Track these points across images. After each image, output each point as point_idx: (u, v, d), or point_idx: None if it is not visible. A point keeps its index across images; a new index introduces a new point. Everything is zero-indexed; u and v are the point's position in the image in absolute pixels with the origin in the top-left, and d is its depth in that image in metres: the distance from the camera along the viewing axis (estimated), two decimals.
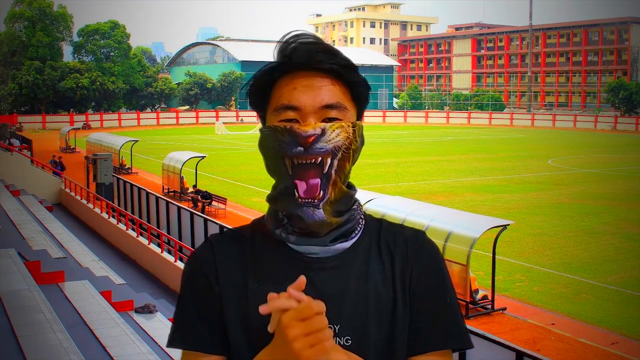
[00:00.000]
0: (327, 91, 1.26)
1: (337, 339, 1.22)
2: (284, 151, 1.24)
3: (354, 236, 1.31)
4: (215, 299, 1.29)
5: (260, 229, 1.35)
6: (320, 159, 1.23)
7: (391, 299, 1.27)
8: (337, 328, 1.23)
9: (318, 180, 1.24)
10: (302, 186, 1.25)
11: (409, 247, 1.32)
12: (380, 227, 1.36)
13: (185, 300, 1.33)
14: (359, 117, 1.33)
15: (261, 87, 1.31)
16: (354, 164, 1.29)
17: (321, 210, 1.24)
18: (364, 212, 1.37)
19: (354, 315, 1.25)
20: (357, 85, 1.30)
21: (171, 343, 1.31)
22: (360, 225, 1.33)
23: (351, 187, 1.34)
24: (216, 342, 1.28)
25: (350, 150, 1.26)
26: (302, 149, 1.23)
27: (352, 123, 1.27)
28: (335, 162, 1.25)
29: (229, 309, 1.27)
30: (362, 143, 1.31)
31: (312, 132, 1.22)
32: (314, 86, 1.26)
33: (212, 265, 1.31)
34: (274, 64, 1.30)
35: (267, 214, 1.35)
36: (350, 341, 1.23)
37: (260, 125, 1.36)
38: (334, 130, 1.23)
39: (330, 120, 1.25)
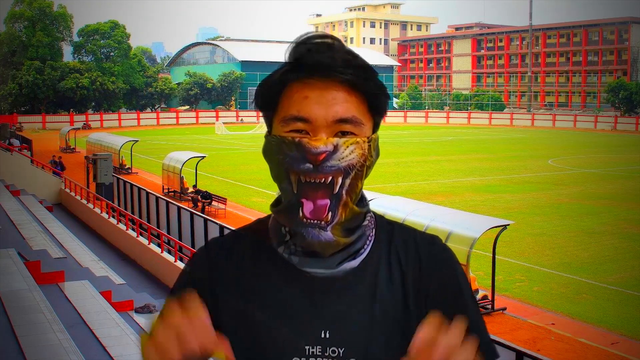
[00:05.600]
0: (342, 104, 1.13)
1: None
2: (289, 166, 1.13)
3: (363, 252, 1.21)
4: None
5: (263, 236, 1.25)
6: (330, 178, 1.12)
7: (401, 320, 1.19)
8: (341, 351, 1.15)
9: (327, 202, 1.13)
10: (308, 206, 1.13)
11: (422, 262, 1.21)
12: (392, 236, 1.24)
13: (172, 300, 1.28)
14: (376, 128, 1.20)
15: (270, 92, 1.18)
16: (366, 177, 1.19)
17: (328, 232, 1.14)
18: (375, 216, 1.27)
19: (359, 338, 1.16)
20: (376, 96, 1.17)
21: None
22: (370, 239, 1.22)
23: (363, 201, 1.22)
24: None
25: (364, 167, 1.15)
26: (311, 166, 1.11)
27: (367, 138, 1.15)
28: (347, 182, 1.13)
29: (224, 326, 1.18)
30: (378, 155, 1.20)
31: (323, 148, 1.10)
32: (328, 97, 1.13)
33: (206, 276, 1.23)
34: (286, 69, 1.17)
35: (271, 224, 1.25)
36: None
37: (265, 129, 1.24)
38: (347, 147, 1.12)
39: (344, 134, 1.13)
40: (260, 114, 1.25)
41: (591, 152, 39.75)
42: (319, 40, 1.17)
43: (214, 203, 20.43)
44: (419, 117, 75.87)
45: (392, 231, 1.26)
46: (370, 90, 1.16)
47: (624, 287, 12.85)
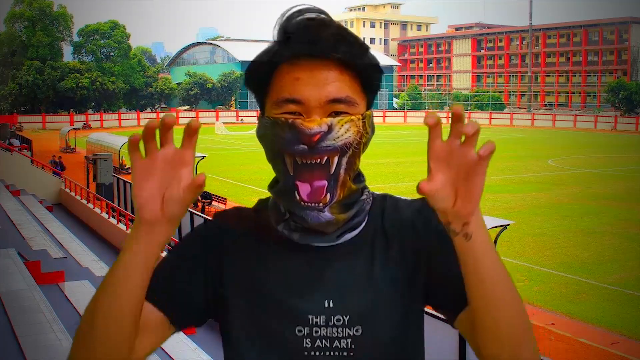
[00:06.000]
0: (334, 83, 1.11)
1: (347, 329, 1.16)
2: (284, 148, 1.11)
3: (362, 224, 1.22)
4: (201, 273, 1.22)
5: (264, 214, 1.25)
6: (325, 158, 1.10)
7: (404, 283, 1.19)
8: (346, 319, 1.16)
9: (324, 183, 1.12)
10: (304, 188, 1.12)
11: (416, 223, 1.22)
12: (384, 206, 1.26)
13: (170, 258, 1.29)
14: (370, 105, 1.18)
15: (260, 73, 1.16)
16: (363, 153, 1.18)
17: (327, 212, 1.14)
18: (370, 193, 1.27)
19: (362, 304, 1.17)
20: (368, 75, 1.15)
21: None
22: (367, 212, 1.23)
23: (359, 177, 1.23)
24: (168, 302, 1.19)
25: (361, 144, 1.14)
26: (306, 147, 1.09)
27: (361, 115, 1.13)
28: (345, 160, 1.12)
29: (228, 298, 1.20)
30: (373, 131, 1.19)
31: (317, 129, 1.08)
32: (319, 78, 1.10)
33: (217, 240, 1.24)
34: (273, 50, 1.14)
35: (270, 203, 1.25)
36: (360, 330, 1.16)
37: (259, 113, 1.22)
38: (342, 126, 1.10)
39: (337, 114, 1.11)
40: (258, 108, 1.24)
41: (591, 152, 39.74)
42: (308, 16, 1.14)
43: (213, 203, 20.43)
44: (419, 117, 75.78)
45: (384, 203, 1.27)
46: (363, 68, 1.14)
47: (624, 287, 12.84)
